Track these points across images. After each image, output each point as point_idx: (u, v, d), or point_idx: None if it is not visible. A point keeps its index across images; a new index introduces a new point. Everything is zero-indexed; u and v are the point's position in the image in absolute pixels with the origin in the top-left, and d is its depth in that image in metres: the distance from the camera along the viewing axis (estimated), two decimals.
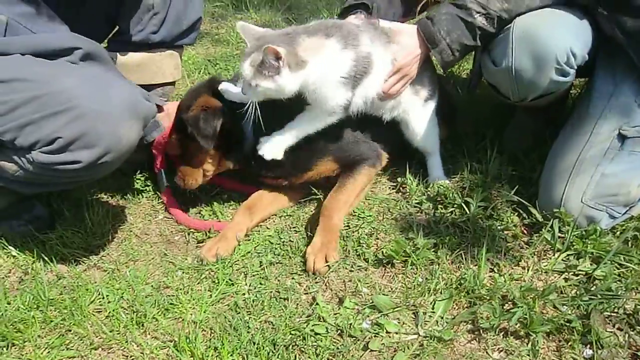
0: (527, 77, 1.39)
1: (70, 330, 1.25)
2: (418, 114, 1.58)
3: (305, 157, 1.51)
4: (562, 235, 1.39)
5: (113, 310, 1.28)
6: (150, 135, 1.42)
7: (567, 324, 1.16)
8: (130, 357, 1.19)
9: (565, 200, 1.40)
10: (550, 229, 1.39)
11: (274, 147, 1.43)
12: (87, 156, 1.17)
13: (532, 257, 1.38)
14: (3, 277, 1.42)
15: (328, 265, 1.35)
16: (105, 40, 1.65)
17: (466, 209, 1.49)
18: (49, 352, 1.20)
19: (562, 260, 1.35)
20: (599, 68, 1.49)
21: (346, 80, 1.35)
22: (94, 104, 1.15)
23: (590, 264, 1.33)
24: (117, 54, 1.55)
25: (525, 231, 1.47)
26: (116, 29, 1.61)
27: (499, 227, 1.45)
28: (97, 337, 1.23)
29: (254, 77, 1.28)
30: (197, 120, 1.42)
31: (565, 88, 1.49)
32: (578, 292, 1.25)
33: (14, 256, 1.46)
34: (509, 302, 1.24)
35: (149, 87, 1.58)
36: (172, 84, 1.66)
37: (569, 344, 1.14)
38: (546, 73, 1.37)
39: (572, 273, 1.32)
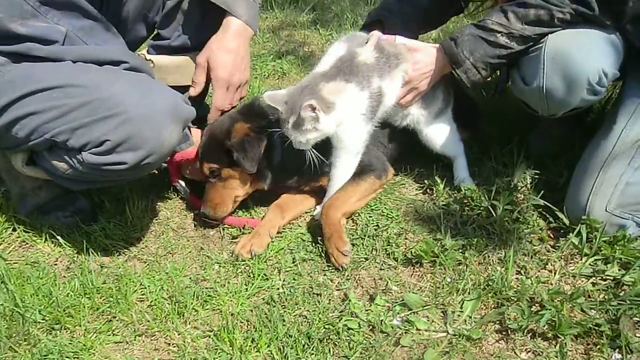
0: (558, 97, 1.41)
1: (115, 317, 1.33)
2: (430, 125, 1.65)
3: (313, 167, 1.57)
4: (590, 240, 1.41)
5: (155, 300, 1.36)
6: (179, 147, 1.46)
7: (596, 328, 1.19)
8: (173, 344, 1.26)
9: (590, 209, 1.42)
10: (578, 233, 1.42)
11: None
12: (132, 158, 1.25)
13: (559, 260, 1.41)
14: (51, 265, 1.51)
15: (343, 254, 1.40)
16: (145, 44, 1.72)
17: (493, 211, 1.53)
18: (96, 336, 1.28)
19: (590, 264, 1.38)
20: (628, 78, 1.51)
21: (365, 116, 1.50)
22: (139, 109, 1.23)
23: (619, 270, 1.35)
24: (158, 56, 1.62)
25: (551, 235, 1.50)
26: (155, 32, 1.69)
27: (525, 230, 1.48)
28: (140, 324, 1.31)
29: (302, 135, 1.43)
30: (243, 145, 1.48)
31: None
32: (606, 297, 1.28)
33: (60, 245, 1.54)
34: (537, 304, 1.28)
35: (185, 88, 1.65)
36: (207, 85, 1.72)
37: (598, 347, 1.17)
38: (578, 93, 1.39)
39: (599, 278, 1.35)
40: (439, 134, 1.67)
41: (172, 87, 1.62)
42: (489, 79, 2.10)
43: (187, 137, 1.43)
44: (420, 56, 1.53)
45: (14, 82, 1.25)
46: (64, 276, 1.47)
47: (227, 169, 1.54)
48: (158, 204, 1.72)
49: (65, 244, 1.54)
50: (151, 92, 1.28)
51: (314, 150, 1.47)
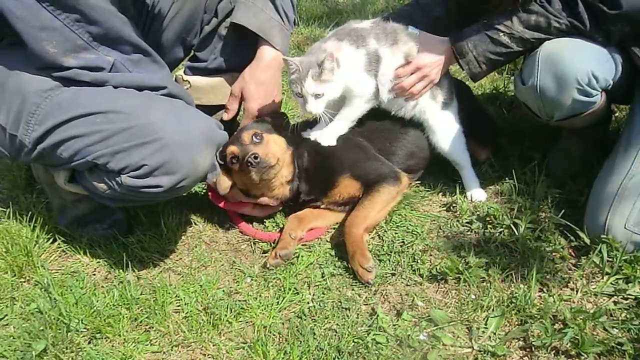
0: (550, 95, 1.53)
1: (152, 328, 1.39)
2: (437, 116, 1.72)
3: (327, 175, 1.68)
4: (610, 259, 1.45)
5: (190, 312, 1.42)
6: (207, 178, 1.51)
7: (618, 347, 1.23)
8: (208, 355, 1.32)
9: (609, 227, 1.47)
10: (599, 252, 1.46)
11: (329, 135, 1.66)
12: (167, 181, 1.33)
13: (581, 279, 1.45)
14: (90, 275, 1.59)
15: (367, 270, 1.45)
16: (181, 64, 1.81)
17: (515, 230, 1.57)
18: (135, 346, 1.35)
19: (611, 283, 1.42)
20: (638, 97, 1.57)
21: (368, 72, 1.60)
22: (175, 136, 1.31)
23: None
24: (194, 77, 1.71)
25: (572, 253, 1.54)
26: (191, 53, 1.77)
27: (547, 249, 1.53)
28: (177, 335, 1.37)
29: (320, 86, 1.52)
30: (277, 115, 1.68)
31: (595, 109, 1.57)
32: (628, 316, 1.32)
33: (99, 256, 1.62)
34: (559, 322, 1.32)
35: (219, 107, 1.72)
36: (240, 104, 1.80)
37: None
38: (568, 92, 1.50)
39: (621, 297, 1.39)
40: (446, 130, 1.73)
41: (206, 105, 1.72)
42: (506, 93, 2.14)
43: (214, 167, 1.49)
44: (432, 46, 1.64)
45: (61, 106, 1.33)
46: (103, 286, 1.54)
47: (269, 135, 1.62)
48: (191, 217, 1.79)
49: (103, 254, 1.62)
50: (187, 119, 1.35)
51: (325, 112, 1.56)
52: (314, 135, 1.67)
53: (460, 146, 1.74)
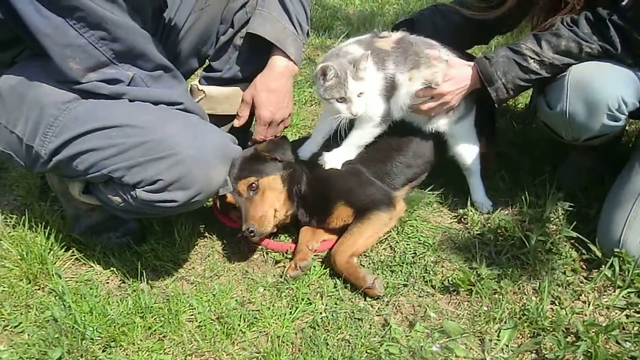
0: (580, 121, 1.52)
1: (166, 337, 1.40)
2: (452, 128, 1.73)
3: (323, 203, 1.67)
4: (622, 273, 1.46)
5: (203, 321, 1.43)
6: (219, 192, 1.51)
7: None
8: None
9: (624, 242, 1.47)
10: (610, 265, 1.47)
11: (335, 158, 1.67)
12: (182, 196, 1.34)
13: (593, 292, 1.45)
14: (103, 283, 1.60)
15: (369, 287, 1.45)
16: (196, 73, 1.84)
17: (526, 242, 1.58)
18: (149, 354, 1.36)
19: (623, 297, 1.42)
20: None
21: (382, 96, 1.58)
22: (190, 151, 1.32)
23: None
24: (209, 87, 1.73)
25: (584, 266, 1.54)
26: (206, 64, 1.79)
27: (558, 262, 1.53)
28: (190, 344, 1.38)
29: (360, 84, 1.50)
30: (274, 144, 1.66)
31: (618, 130, 1.59)
32: None
33: (112, 264, 1.63)
34: (572, 335, 1.33)
35: (233, 118, 1.75)
36: (253, 114, 1.82)
37: None
38: (598, 118, 1.50)
39: (633, 310, 1.39)
40: (460, 139, 1.74)
41: (221, 115, 1.74)
42: (517, 106, 2.14)
43: (226, 183, 1.50)
44: (455, 72, 1.62)
45: (78, 119, 1.34)
46: (116, 294, 1.55)
47: (264, 178, 1.61)
48: (203, 226, 1.80)
49: (117, 263, 1.63)
50: (202, 134, 1.37)
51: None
52: (321, 159, 1.65)
53: (473, 152, 1.75)
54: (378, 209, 1.61)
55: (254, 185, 1.60)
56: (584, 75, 1.50)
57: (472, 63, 1.63)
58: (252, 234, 1.54)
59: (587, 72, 1.50)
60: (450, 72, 1.62)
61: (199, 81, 1.78)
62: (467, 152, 1.75)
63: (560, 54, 1.52)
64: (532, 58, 1.53)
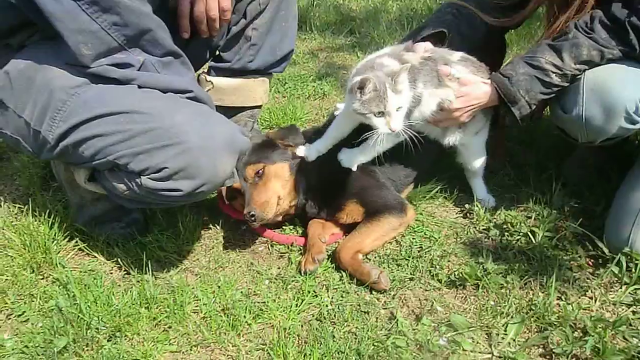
0: (597, 125, 1.48)
1: (171, 327, 1.39)
2: (464, 141, 1.70)
3: (335, 198, 1.66)
4: (629, 269, 1.45)
5: (209, 312, 1.42)
6: (225, 184, 1.49)
7: (639, 356, 1.23)
8: (228, 356, 1.32)
9: (633, 241, 1.46)
10: (617, 262, 1.46)
11: (351, 159, 1.63)
12: (187, 186, 1.32)
13: (599, 288, 1.45)
14: (107, 273, 1.59)
15: (375, 282, 1.45)
16: (206, 65, 1.81)
17: (532, 237, 1.58)
18: (154, 345, 1.35)
19: (630, 293, 1.42)
20: None
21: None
22: (198, 140, 1.30)
23: None
24: (217, 78, 1.72)
25: (590, 263, 1.54)
26: (216, 54, 1.77)
27: (565, 257, 1.53)
28: (196, 335, 1.37)
29: (399, 97, 1.42)
30: (285, 131, 1.66)
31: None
32: None
33: (116, 255, 1.62)
34: (579, 330, 1.32)
35: (241, 109, 1.74)
36: (260, 106, 1.81)
37: None
38: (616, 121, 1.46)
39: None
40: (471, 151, 1.72)
41: (229, 107, 1.73)
42: None
43: (232, 174, 1.47)
44: (469, 89, 1.58)
45: (87, 104, 1.33)
46: (120, 285, 1.54)
47: (271, 166, 1.61)
48: (208, 218, 1.79)
49: (121, 253, 1.62)
50: (210, 124, 1.35)
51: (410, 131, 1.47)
52: (340, 156, 1.63)
53: (481, 160, 1.74)
54: (390, 213, 1.60)
55: (260, 171, 1.60)
56: (599, 78, 1.47)
57: (487, 81, 1.58)
58: (252, 218, 1.53)
59: (602, 75, 1.47)
60: (462, 90, 1.57)
61: (208, 72, 1.76)
62: (477, 161, 1.73)
63: (582, 63, 1.48)
64: (554, 72, 1.49)
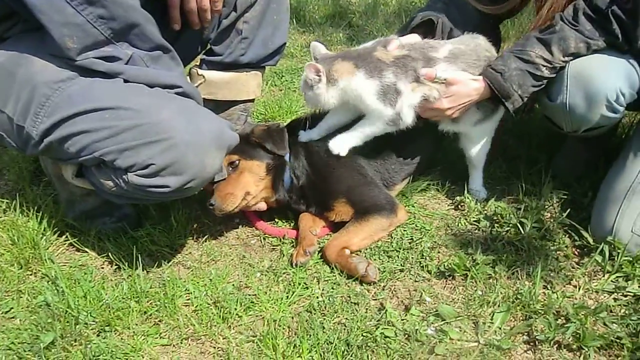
0: (579, 112, 1.53)
1: (162, 321, 1.40)
2: (466, 132, 1.72)
3: (323, 197, 1.66)
4: (612, 258, 1.49)
5: (200, 305, 1.43)
6: (214, 179, 1.51)
7: (617, 341, 1.27)
8: (218, 348, 1.34)
9: (616, 230, 1.50)
10: (601, 251, 1.50)
11: (341, 144, 1.63)
12: (175, 182, 1.31)
13: (583, 277, 1.48)
14: (98, 268, 1.59)
15: (364, 276, 1.46)
16: (197, 58, 1.79)
17: (521, 229, 1.60)
18: (145, 339, 1.36)
19: (612, 281, 1.46)
20: None
21: (381, 99, 1.55)
22: (185, 136, 1.29)
23: (639, 286, 1.43)
24: (209, 72, 1.70)
25: (576, 252, 1.57)
26: (207, 47, 1.75)
27: (551, 248, 1.56)
28: (186, 328, 1.38)
29: (305, 88, 1.59)
30: (269, 133, 1.64)
31: (616, 121, 1.60)
32: (627, 312, 1.36)
33: (107, 249, 1.62)
34: (562, 317, 1.36)
35: (233, 103, 1.73)
36: (252, 100, 1.80)
37: (619, 359, 1.25)
38: (597, 109, 1.51)
39: (621, 294, 1.43)
40: (474, 142, 1.74)
41: (220, 101, 1.72)
42: None
43: (221, 169, 1.48)
44: (458, 88, 1.57)
45: (71, 99, 1.30)
46: (111, 279, 1.55)
47: (247, 161, 1.61)
48: (200, 211, 1.79)
49: (112, 248, 1.62)
50: (198, 119, 1.33)
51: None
52: (329, 144, 1.63)
53: (484, 151, 1.75)
54: (379, 214, 1.59)
55: (235, 162, 1.60)
56: (583, 68, 1.51)
57: (479, 77, 1.58)
58: (211, 207, 1.55)
59: (586, 64, 1.51)
60: (451, 89, 1.56)
61: (200, 65, 1.74)
62: (479, 151, 1.74)
63: (569, 55, 1.51)
64: (545, 66, 1.52)
